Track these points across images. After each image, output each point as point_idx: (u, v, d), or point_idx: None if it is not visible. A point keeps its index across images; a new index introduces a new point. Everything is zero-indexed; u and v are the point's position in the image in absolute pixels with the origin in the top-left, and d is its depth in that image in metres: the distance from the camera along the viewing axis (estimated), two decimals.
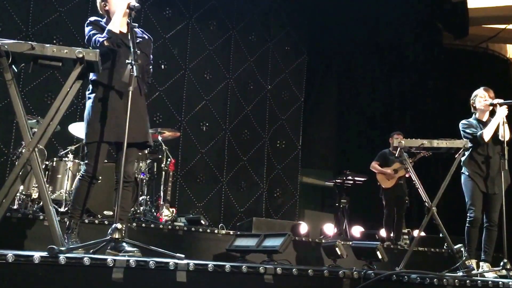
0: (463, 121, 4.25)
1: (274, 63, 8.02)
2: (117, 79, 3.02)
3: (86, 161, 3.07)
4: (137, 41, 3.13)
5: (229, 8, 7.68)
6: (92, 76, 3.04)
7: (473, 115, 4.30)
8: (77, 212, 3.04)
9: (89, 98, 3.10)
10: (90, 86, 3.12)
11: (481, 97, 4.20)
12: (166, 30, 7.15)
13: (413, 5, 7.97)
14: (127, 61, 2.83)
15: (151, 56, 3.35)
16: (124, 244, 2.70)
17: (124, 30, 3.12)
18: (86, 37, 3.10)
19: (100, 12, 3.25)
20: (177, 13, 7.29)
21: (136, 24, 3.08)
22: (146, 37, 3.32)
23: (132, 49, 2.84)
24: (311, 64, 8.33)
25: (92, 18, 3.18)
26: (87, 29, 3.13)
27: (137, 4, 3.01)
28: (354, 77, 8.56)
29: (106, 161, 4.81)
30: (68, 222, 3.05)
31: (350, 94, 8.62)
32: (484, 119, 4.21)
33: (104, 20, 3.21)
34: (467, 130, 4.16)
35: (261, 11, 7.95)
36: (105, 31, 3.02)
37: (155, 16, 7.07)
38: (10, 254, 1.94)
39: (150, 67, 3.36)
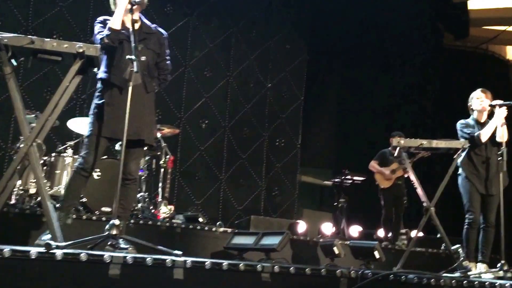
0: (461, 121, 4.25)
1: (274, 61, 8.00)
2: (118, 75, 3.02)
3: (83, 154, 3.06)
4: (143, 37, 3.11)
5: (230, 5, 7.65)
6: (98, 73, 3.07)
7: (471, 116, 4.29)
8: (71, 206, 3.04)
9: (95, 95, 3.14)
10: (98, 84, 3.15)
11: (477, 98, 4.20)
12: (166, 26, 7.09)
13: (414, 5, 7.95)
14: (127, 57, 2.82)
15: (167, 51, 3.32)
16: (119, 240, 2.69)
17: (130, 26, 3.10)
18: (94, 36, 3.13)
19: (113, 9, 3.22)
20: (178, 9, 7.27)
21: (144, 20, 3.05)
22: (159, 33, 3.28)
23: (133, 44, 2.82)
24: (311, 63, 8.31)
25: (101, 18, 3.18)
26: (94, 28, 3.15)
27: None
28: (354, 76, 8.54)
29: (106, 157, 4.87)
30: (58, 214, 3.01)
31: (350, 93, 8.60)
32: (482, 120, 4.20)
33: None
34: (465, 130, 4.16)
35: (262, 9, 7.93)
36: (106, 28, 3.02)
37: (156, 12, 7.03)
38: (6, 249, 1.93)
39: (167, 62, 3.33)
